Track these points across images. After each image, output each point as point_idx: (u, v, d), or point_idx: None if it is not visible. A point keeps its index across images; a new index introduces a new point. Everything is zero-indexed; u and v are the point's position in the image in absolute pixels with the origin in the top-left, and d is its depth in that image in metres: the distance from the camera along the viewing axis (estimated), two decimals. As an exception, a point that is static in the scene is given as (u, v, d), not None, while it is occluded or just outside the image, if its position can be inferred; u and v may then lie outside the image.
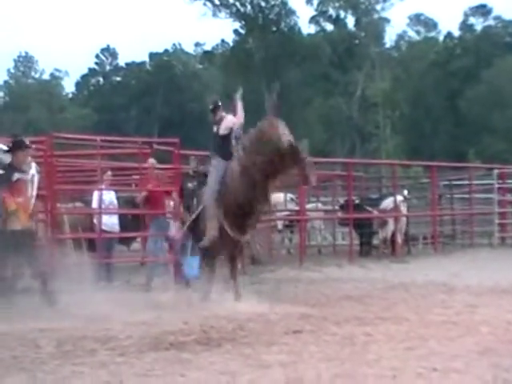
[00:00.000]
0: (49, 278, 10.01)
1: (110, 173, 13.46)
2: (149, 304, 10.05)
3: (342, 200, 19.68)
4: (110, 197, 13.19)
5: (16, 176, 9.95)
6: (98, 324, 8.79)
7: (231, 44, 65.02)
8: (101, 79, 72.54)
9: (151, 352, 7.42)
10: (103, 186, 13.19)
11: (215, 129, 10.84)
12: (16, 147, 10.00)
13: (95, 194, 13.20)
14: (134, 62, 70.38)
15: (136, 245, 15.96)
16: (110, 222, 13.14)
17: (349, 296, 11.18)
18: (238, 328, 8.60)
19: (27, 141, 10.42)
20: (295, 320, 9.04)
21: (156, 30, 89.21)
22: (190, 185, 15.12)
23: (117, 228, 13.38)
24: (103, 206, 12.98)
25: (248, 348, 7.60)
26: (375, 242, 19.24)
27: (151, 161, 13.50)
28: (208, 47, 70.68)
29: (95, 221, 13.23)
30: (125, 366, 6.89)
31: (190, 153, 15.40)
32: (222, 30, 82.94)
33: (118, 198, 14.01)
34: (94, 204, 13.24)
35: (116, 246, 14.03)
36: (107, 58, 72.07)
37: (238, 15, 61.76)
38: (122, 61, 71.77)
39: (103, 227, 13.08)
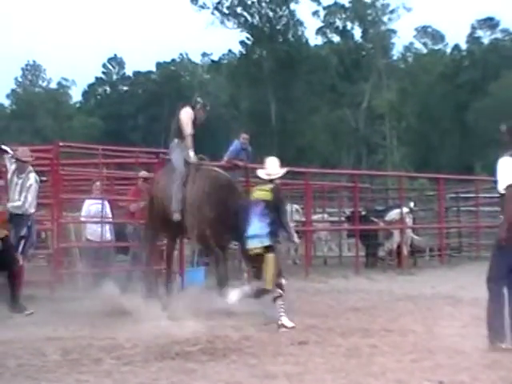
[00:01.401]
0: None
1: (98, 183, 13.40)
2: (155, 313, 10.03)
3: (348, 211, 19.66)
4: (97, 207, 13.06)
5: None
6: (103, 333, 8.79)
7: (238, 54, 65.22)
8: (108, 88, 72.79)
9: (157, 361, 7.41)
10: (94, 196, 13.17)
11: None
12: None
13: (85, 204, 13.23)
14: (141, 72, 70.63)
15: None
16: (98, 232, 12.98)
17: (355, 307, 11.14)
18: (244, 338, 8.58)
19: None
20: (301, 331, 9.01)
21: (163, 40, 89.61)
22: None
23: (107, 238, 13.16)
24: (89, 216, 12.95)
25: (253, 358, 7.58)
26: (381, 253, 19.19)
27: (143, 173, 13.54)
28: (215, 57, 70.92)
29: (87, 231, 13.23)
30: (130, 375, 6.88)
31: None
32: (229, 40, 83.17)
33: (121, 208, 14.01)
34: (83, 214, 13.29)
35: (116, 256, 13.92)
36: (114, 68, 72.35)
37: (245, 25, 61.96)
38: (129, 70, 72.11)
39: (89, 237, 13.05)
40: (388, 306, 11.43)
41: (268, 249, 9.24)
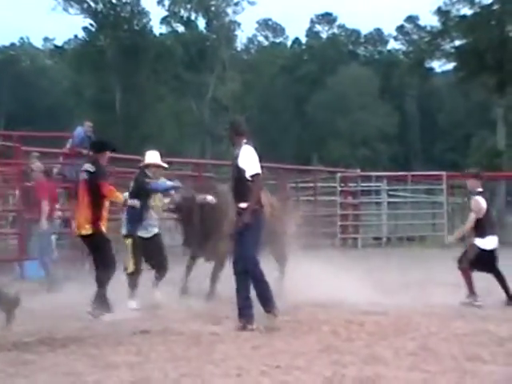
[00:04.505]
0: None
1: None
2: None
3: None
4: None
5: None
6: None
7: (82, 40, 63.72)
8: None
9: (-8, 354, 7.21)
10: None
11: None
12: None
13: None
14: (-23, 55, 67.55)
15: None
16: None
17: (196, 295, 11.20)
18: (84, 328, 8.49)
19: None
20: (143, 320, 9.01)
21: (2, 23, 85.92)
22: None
23: None
24: None
25: (94, 348, 7.52)
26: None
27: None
28: (59, 42, 68.92)
29: None
30: (-36, 369, 6.66)
31: (34, 149, 15.07)
32: (73, 26, 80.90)
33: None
34: None
35: None
36: (-51, 50, 68.80)
37: (89, 11, 60.65)
38: (-35, 54, 68.69)
39: None
40: (230, 293, 11.57)
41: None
